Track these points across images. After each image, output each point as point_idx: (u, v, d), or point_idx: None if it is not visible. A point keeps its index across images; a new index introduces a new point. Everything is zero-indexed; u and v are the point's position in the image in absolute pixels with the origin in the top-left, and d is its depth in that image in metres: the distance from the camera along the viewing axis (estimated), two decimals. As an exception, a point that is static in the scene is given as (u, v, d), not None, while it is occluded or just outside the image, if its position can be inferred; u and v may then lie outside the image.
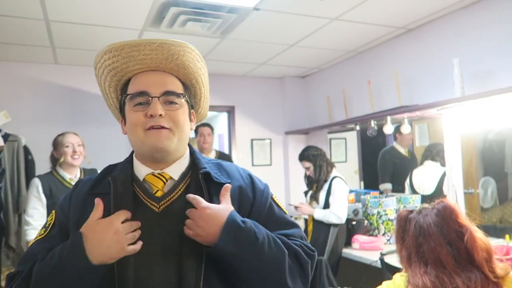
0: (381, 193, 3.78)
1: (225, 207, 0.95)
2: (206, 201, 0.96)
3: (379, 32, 3.30)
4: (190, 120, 1.07)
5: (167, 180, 1.02)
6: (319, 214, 3.20)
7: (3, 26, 2.91)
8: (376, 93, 3.58)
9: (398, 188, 3.74)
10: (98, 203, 0.93)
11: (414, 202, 3.27)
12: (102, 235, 0.88)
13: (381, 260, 2.58)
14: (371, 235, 3.28)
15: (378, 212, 3.30)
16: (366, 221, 3.34)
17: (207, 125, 3.88)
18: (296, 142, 4.72)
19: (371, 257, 2.82)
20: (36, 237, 1.02)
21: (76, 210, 1.00)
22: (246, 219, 0.96)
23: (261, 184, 1.10)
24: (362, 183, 4.41)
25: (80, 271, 0.87)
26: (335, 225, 3.17)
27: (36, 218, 2.57)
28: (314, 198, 3.33)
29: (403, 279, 1.35)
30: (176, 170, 1.04)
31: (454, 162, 2.86)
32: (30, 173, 3.33)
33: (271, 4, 2.68)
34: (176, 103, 1.01)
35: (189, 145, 1.10)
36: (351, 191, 3.79)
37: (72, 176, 2.69)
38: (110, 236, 0.88)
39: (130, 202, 0.96)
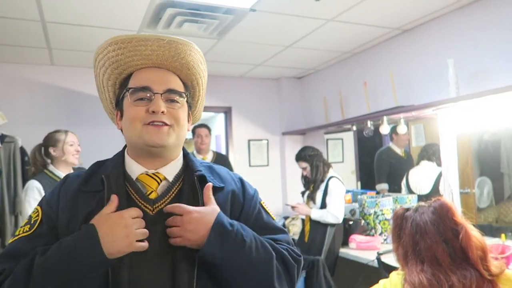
0: (377, 193, 3.80)
1: (211, 210, 0.95)
2: (200, 204, 0.96)
3: (375, 33, 3.32)
4: (188, 120, 1.05)
5: (161, 181, 1.00)
6: (316, 214, 3.21)
7: (-1, 27, 2.91)
8: (372, 93, 3.60)
9: (395, 188, 3.75)
10: (114, 199, 0.92)
11: (410, 202, 3.28)
12: (112, 227, 0.87)
13: (378, 259, 2.59)
14: (368, 234, 3.29)
15: (375, 212, 3.31)
16: (363, 221, 3.35)
17: (205, 126, 3.89)
18: (293, 143, 4.73)
19: (368, 256, 2.83)
20: (19, 234, 0.96)
21: (66, 206, 0.95)
22: (234, 222, 0.96)
23: (251, 189, 1.10)
24: (359, 183, 4.43)
25: (93, 264, 0.85)
26: (332, 225, 3.18)
27: None
28: (311, 198, 3.34)
29: (400, 277, 1.35)
30: (170, 171, 1.02)
31: (450, 162, 2.88)
32: (26, 174, 3.32)
33: (267, 5, 2.69)
34: (177, 102, 1.00)
35: (184, 147, 1.08)
36: (348, 191, 3.80)
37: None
38: (121, 229, 0.87)
39: (124, 202, 0.94)
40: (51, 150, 2.55)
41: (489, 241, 2.46)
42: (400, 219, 1.39)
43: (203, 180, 1.00)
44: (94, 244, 0.85)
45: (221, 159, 3.93)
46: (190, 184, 1.00)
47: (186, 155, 1.08)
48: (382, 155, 3.90)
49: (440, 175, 3.12)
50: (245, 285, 0.94)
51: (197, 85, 1.09)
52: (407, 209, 1.40)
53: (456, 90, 2.63)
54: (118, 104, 1.04)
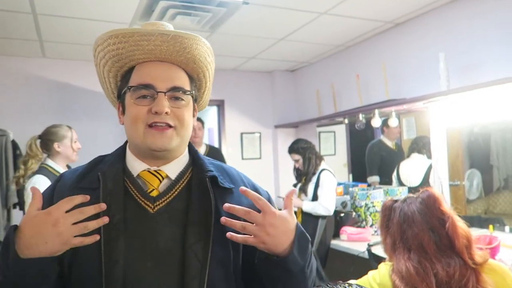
0: (369, 185, 3.83)
1: (292, 217, 0.89)
2: (213, 206, 0.91)
3: (367, 26, 3.33)
4: (193, 115, 1.01)
5: (163, 179, 0.95)
6: (308, 206, 3.24)
7: (-10, 19, 2.88)
8: (364, 86, 3.62)
9: (386, 180, 3.80)
10: (34, 191, 0.83)
11: (401, 194, 3.32)
12: (39, 229, 0.78)
13: (369, 251, 2.63)
14: (359, 226, 3.33)
15: (366, 204, 3.35)
16: (354, 213, 3.39)
17: (198, 119, 3.88)
18: (285, 136, 4.75)
19: (359, 248, 2.87)
20: None
21: None
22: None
23: (266, 195, 1.03)
24: (350, 175, 4.47)
25: (15, 267, 0.79)
26: (324, 217, 3.21)
27: None
28: (303, 190, 3.37)
29: (388, 267, 1.38)
30: (174, 168, 0.97)
31: (439, 155, 2.92)
32: (18, 168, 3.30)
33: (260, -2, 2.69)
34: (182, 100, 0.94)
35: (189, 143, 1.03)
36: (339, 184, 3.84)
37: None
38: (49, 229, 0.78)
39: (121, 200, 0.90)
40: (55, 145, 2.47)
41: (477, 232, 2.51)
42: (389, 210, 1.42)
43: (214, 181, 0.95)
44: (10, 248, 0.79)
45: (214, 152, 3.94)
46: (199, 184, 0.95)
47: (194, 153, 1.03)
48: (373, 148, 3.94)
49: (430, 167, 3.16)
50: None
51: (204, 78, 1.03)
52: (396, 201, 1.43)
53: (447, 83, 2.66)
54: (120, 97, 0.99)
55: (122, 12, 2.85)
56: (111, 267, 0.84)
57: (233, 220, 0.84)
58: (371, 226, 3.31)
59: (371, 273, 1.45)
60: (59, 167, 2.47)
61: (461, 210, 2.90)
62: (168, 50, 0.93)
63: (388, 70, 3.32)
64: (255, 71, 4.80)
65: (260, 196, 0.86)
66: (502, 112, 2.55)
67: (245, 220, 0.85)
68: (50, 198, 0.92)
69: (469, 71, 2.73)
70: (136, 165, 0.96)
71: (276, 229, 0.84)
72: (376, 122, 3.26)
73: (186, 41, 0.93)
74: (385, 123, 3.53)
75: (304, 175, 3.38)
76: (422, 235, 1.30)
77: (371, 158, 3.96)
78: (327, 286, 0.90)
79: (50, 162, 2.47)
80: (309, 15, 3.02)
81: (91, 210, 0.81)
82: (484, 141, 2.90)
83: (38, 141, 2.50)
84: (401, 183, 3.50)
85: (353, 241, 3.12)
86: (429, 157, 3.17)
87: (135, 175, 0.95)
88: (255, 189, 1.01)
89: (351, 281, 1.12)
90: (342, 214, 3.38)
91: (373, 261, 2.55)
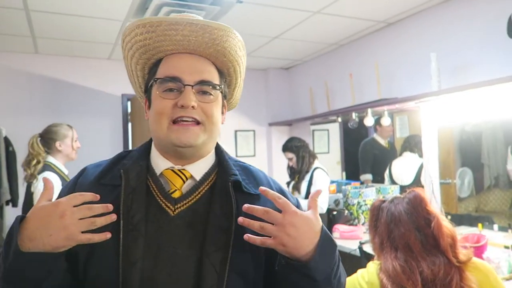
0: (362, 183, 3.86)
1: (315, 216, 0.82)
2: (234, 214, 0.84)
3: (360, 26, 3.35)
4: (222, 112, 0.95)
5: (187, 179, 0.90)
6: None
7: (-18, 15, 2.87)
8: (357, 85, 3.64)
9: (378, 178, 3.82)
10: (46, 182, 0.80)
11: (393, 193, 3.35)
12: (45, 220, 0.75)
13: (360, 248, 2.65)
14: (351, 224, 3.35)
15: (358, 202, 3.37)
16: (346, 211, 3.41)
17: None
18: (279, 134, 4.77)
19: (351, 246, 2.90)
20: None
21: None
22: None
23: (295, 202, 0.95)
24: (344, 173, 4.50)
25: (15, 260, 0.75)
26: (316, 215, 3.23)
27: None
28: (296, 188, 3.39)
29: (376, 266, 1.41)
30: (199, 169, 0.92)
31: (431, 154, 2.94)
32: (11, 165, 3.29)
33: (254, -3, 2.70)
34: (211, 95, 0.89)
35: (217, 143, 0.98)
36: (332, 182, 3.86)
37: (66, 171, 2.56)
38: (55, 221, 0.74)
39: (143, 200, 0.85)
40: (57, 144, 2.50)
41: (467, 231, 2.54)
42: (377, 210, 1.45)
43: (237, 186, 0.89)
44: (13, 238, 0.75)
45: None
46: (222, 189, 0.89)
47: (220, 153, 0.97)
48: (366, 146, 3.96)
49: (421, 166, 3.19)
50: None
51: (234, 73, 0.97)
52: (384, 201, 1.46)
53: (438, 83, 2.68)
54: (147, 91, 0.95)
55: (116, 9, 2.84)
56: (129, 269, 0.80)
57: (250, 220, 0.78)
58: (363, 224, 3.34)
59: (360, 271, 1.48)
60: (62, 166, 2.51)
61: (452, 208, 2.93)
62: (196, 41, 0.88)
63: (381, 69, 3.34)
64: (249, 69, 4.80)
65: (280, 195, 0.81)
66: (493, 112, 2.58)
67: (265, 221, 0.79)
68: (71, 190, 0.89)
69: (461, 71, 2.75)
70: (160, 163, 0.91)
71: (297, 230, 0.77)
72: (369, 121, 3.28)
73: (215, 32, 0.88)
74: (377, 121, 3.56)
75: (298, 173, 3.40)
76: (409, 234, 1.33)
77: (364, 156, 3.98)
78: None
79: (52, 159, 2.50)
80: (302, 14, 3.03)
81: (99, 209, 0.77)
82: (476, 140, 2.93)
83: (39, 140, 2.52)
84: (393, 182, 3.53)
85: (345, 238, 3.14)
86: (421, 155, 3.20)
87: (158, 173, 0.90)
88: (283, 194, 0.90)
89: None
90: (334, 212, 3.41)
91: (365, 258, 2.57)
